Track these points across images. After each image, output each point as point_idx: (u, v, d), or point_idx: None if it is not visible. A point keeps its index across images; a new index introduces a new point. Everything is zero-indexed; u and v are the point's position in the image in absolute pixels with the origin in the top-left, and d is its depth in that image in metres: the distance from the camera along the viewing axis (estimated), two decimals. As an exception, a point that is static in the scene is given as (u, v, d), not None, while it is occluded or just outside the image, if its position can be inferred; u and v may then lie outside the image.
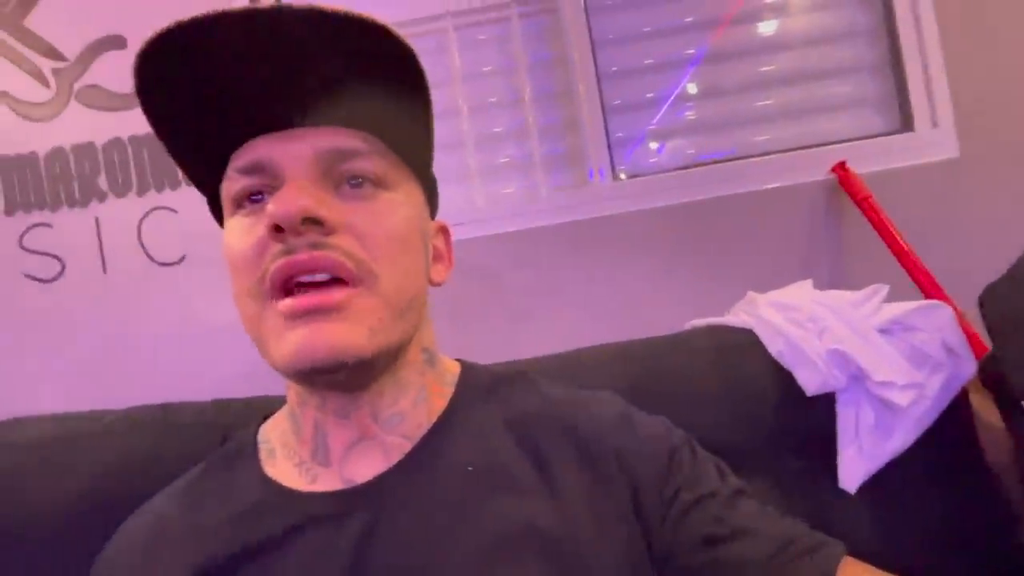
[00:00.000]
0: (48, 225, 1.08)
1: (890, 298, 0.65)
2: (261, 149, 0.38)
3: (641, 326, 0.73)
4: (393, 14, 1.16)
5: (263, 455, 0.45)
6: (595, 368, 0.64)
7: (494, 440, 0.43)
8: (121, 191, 1.08)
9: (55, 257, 1.08)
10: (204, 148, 0.40)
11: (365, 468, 0.41)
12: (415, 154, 0.44)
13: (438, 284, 0.48)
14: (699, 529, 0.39)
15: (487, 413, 0.45)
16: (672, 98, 1.19)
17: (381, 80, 0.38)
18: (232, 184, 0.39)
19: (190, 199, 1.05)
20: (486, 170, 1.20)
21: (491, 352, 0.60)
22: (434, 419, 0.44)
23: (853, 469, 0.57)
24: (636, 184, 1.15)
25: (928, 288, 0.91)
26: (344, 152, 0.38)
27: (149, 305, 1.05)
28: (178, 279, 1.05)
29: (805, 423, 0.60)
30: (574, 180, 1.19)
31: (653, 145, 1.20)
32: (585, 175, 1.17)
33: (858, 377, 0.60)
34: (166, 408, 0.62)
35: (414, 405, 0.43)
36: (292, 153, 0.38)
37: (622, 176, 1.18)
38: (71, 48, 1.09)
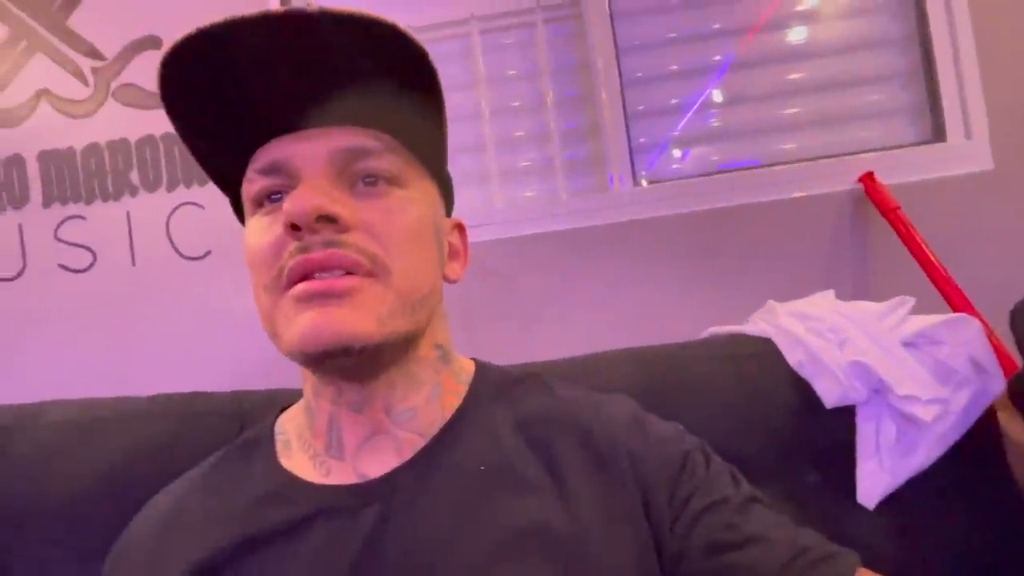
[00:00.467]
0: (82, 218, 1.12)
1: (917, 312, 0.63)
2: (278, 150, 0.39)
3: (658, 333, 0.72)
4: (418, 18, 1.18)
5: (279, 447, 0.46)
6: (608, 372, 0.63)
7: (506, 440, 0.43)
8: (151, 186, 1.11)
9: (87, 249, 1.11)
10: (225, 150, 0.41)
11: (378, 463, 0.42)
12: (429, 152, 0.44)
13: (454, 281, 0.48)
14: (710, 534, 0.38)
15: (500, 413, 0.45)
16: (698, 105, 1.18)
17: (394, 80, 0.39)
18: (251, 185, 0.40)
19: (216, 195, 1.08)
20: (506, 173, 1.20)
21: (505, 354, 0.60)
22: (448, 416, 0.44)
23: (872, 484, 0.56)
24: (656, 190, 1.14)
25: (957, 303, 0.89)
26: (358, 151, 0.39)
27: (175, 297, 1.08)
28: (203, 273, 1.08)
29: (823, 435, 0.59)
30: (594, 185, 1.19)
31: (677, 153, 1.19)
32: (605, 180, 1.17)
33: (880, 390, 0.59)
34: (187, 397, 0.64)
35: (427, 402, 0.44)
36: (307, 153, 0.39)
37: (644, 182, 1.18)
38: (110, 48, 1.12)
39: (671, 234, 1.06)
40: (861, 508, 0.56)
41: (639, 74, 1.20)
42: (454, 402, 0.45)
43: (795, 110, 1.16)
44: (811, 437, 0.59)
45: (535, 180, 1.21)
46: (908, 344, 0.60)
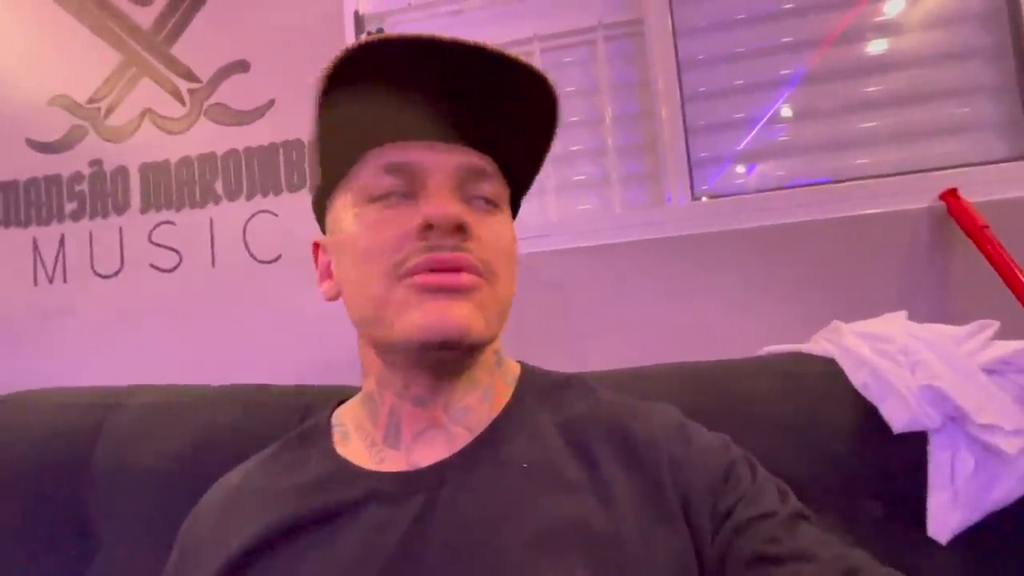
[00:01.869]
0: (172, 223, 1.23)
1: (1005, 339, 0.58)
2: (408, 153, 0.43)
3: (714, 350, 0.70)
4: (482, 37, 1.22)
5: (336, 437, 0.48)
6: (657, 386, 0.62)
7: (549, 440, 0.44)
8: (232, 195, 1.21)
9: (175, 251, 1.22)
10: (352, 142, 0.44)
11: (430, 454, 0.44)
12: (522, 186, 0.49)
13: None
14: (752, 547, 0.37)
15: (544, 414, 0.46)
16: (764, 119, 1.15)
17: (522, 116, 0.43)
18: (374, 179, 0.43)
19: (289, 204, 1.15)
20: (562, 187, 1.22)
21: (557, 365, 0.60)
22: (494, 414, 0.46)
23: (945, 518, 0.52)
24: (713, 206, 1.11)
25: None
26: (478, 171, 0.44)
27: (248, 297, 1.16)
28: (274, 276, 1.15)
29: (889, 463, 0.55)
30: (650, 200, 1.18)
31: (740, 169, 1.16)
32: (662, 196, 1.16)
33: (956, 418, 0.54)
34: (255, 388, 0.68)
35: (480, 401, 0.46)
36: (437, 163, 0.43)
37: (703, 198, 1.15)
38: (204, 71, 1.24)
39: (730, 250, 1.03)
40: (931, 542, 0.51)
41: (702, 88, 1.18)
42: (501, 401, 0.47)
43: (872, 124, 1.11)
44: (876, 464, 0.55)
45: (591, 194, 1.21)
46: (991, 371, 0.55)
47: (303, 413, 0.62)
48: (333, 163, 0.45)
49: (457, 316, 0.39)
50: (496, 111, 0.43)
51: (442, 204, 0.41)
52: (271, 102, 1.16)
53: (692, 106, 1.17)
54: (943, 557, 0.51)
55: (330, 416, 0.51)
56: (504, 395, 0.47)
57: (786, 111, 1.15)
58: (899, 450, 0.55)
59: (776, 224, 1.03)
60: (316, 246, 0.51)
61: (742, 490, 0.40)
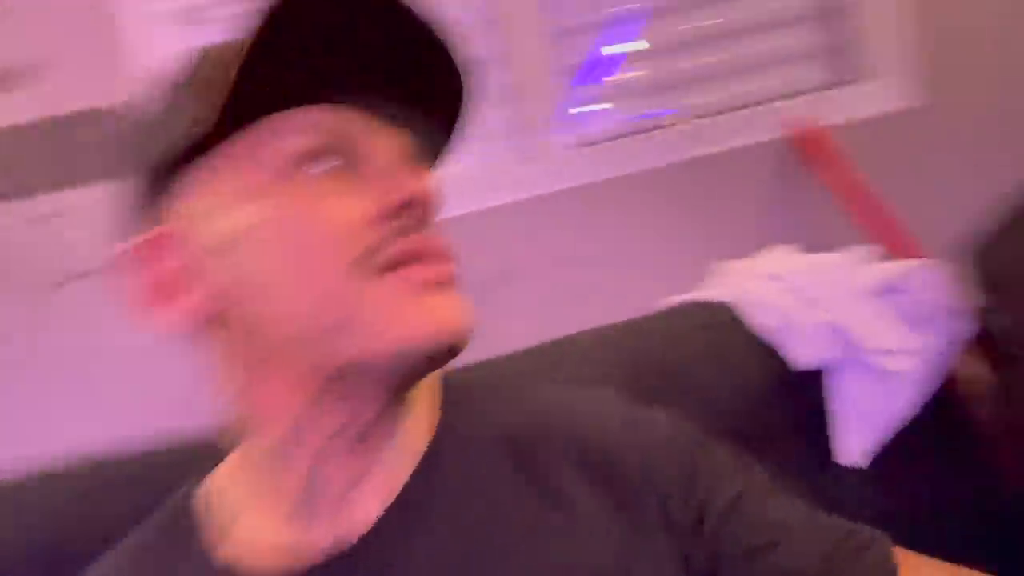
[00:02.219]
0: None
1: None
2: (347, 118, 0.35)
3: (613, 309, 0.67)
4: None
5: (214, 530, 0.38)
6: (580, 360, 0.59)
7: (491, 468, 0.38)
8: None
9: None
10: (269, 95, 0.33)
11: (366, 508, 0.36)
12: None
13: None
14: (739, 540, 0.36)
15: (480, 434, 0.40)
16: (614, 58, 1.13)
17: (443, 118, 0.40)
18: (305, 139, 0.34)
19: (76, 205, 0.88)
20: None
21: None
22: (426, 441, 0.39)
23: (851, 443, 0.56)
24: (584, 154, 1.08)
25: (897, 247, 0.89)
26: (416, 155, 0.38)
27: (46, 337, 0.88)
28: (77, 301, 0.88)
29: (798, 400, 0.58)
30: (516, 156, 1.11)
31: (584, 110, 1.13)
32: (533, 147, 1.10)
33: (850, 346, 0.57)
34: (87, 464, 0.51)
35: (413, 425, 0.38)
36: (384, 133, 0.36)
37: (567, 148, 1.12)
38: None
39: (602, 200, 1.03)
40: (848, 470, 0.55)
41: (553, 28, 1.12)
42: (431, 422, 0.40)
43: (713, 58, 1.14)
44: (785, 404, 0.58)
45: (457, 154, 1.11)
46: (874, 294, 0.59)
47: (160, 492, 0.47)
48: (221, 122, 0.32)
49: (463, 314, 0.34)
50: (428, 101, 0.38)
51: (420, 178, 0.34)
52: (34, 65, 0.86)
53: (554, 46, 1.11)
54: (852, 484, 0.55)
55: (195, 498, 0.40)
56: (432, 411, 0.40)
57: (636, 47, 1.14)
58: (807, 386, 0.57)
59: (644, 169, 1.03)
60: (152, 244, 0.35)
61: (708, 475, 0.38)
